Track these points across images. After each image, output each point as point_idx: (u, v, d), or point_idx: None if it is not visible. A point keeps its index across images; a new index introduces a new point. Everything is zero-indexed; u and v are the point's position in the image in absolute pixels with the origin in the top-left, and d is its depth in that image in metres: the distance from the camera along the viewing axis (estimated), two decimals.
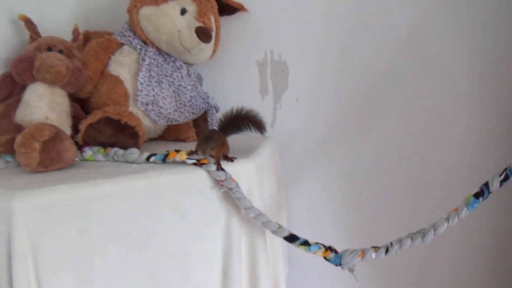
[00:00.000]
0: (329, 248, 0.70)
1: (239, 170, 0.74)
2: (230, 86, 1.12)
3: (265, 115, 1.12)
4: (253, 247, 0.77)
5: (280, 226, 0.72)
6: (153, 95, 0.87)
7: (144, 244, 0.67)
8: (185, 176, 0.70)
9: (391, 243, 0.66)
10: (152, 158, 0.72)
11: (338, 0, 1.02)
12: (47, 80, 0.76)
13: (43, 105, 0.75)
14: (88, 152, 0.75)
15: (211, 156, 0.72)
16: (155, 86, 0.88)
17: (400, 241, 0.65)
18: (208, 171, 0.71)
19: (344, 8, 1.02)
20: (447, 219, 0.61)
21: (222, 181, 0.70)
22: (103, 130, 0.75)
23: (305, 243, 0.71)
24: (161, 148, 0.75)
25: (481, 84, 0.95)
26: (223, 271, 0.74)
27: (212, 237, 0.73)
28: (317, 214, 1.14)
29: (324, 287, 1.20)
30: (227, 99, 1.12)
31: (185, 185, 0.70)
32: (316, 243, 0.71)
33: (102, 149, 0.75)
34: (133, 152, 0.73)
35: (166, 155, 0.71)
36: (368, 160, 1.06)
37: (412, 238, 0.64)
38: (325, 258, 0.70)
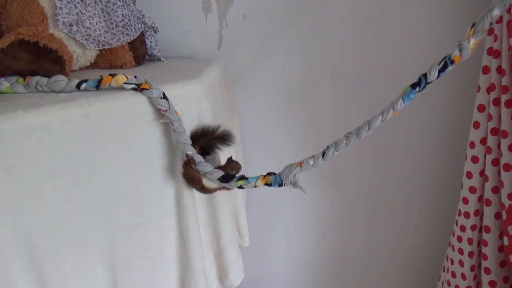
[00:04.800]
0: (267, 174, 0.67)
1: (186, 93, 0.68)
2: (168, 4, 1.00)
3: (211, 36, 1.03)
4: None
5: (215, 168, 0.67)
6: (77, 14, 0.75)
7: (87, 180, 0.60)
8: (124, 103, 0.62)
9: (327, 146, 0.62)
10: (84, 85, 0.63)
11: None
12: None
13: None
14: (4, 83, 0.63)
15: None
16: (78, 2, 0.75)
17: (335, 142, 0.61)
18: (149, 98, 0.63)
19: None
20: (382, 113, 0.57)
21: (164, 111, 0.63)
22: (19, 56, 0.64)
23: (242, 178, 0.67)
24: (95, 76, 0.65)
25: None
26: (176, 201, 0.71)
27: (162, 167, 0.68)
28: (272, 137, 1.12)
29: (281, 214, 1.23)
30: (166, 19, 1.00)
31: (125, 113, 0.62)
32: (256, 176, 0.67)
33: (21, 79, 0.64)
34: (60, 80, 0.63)
35: (100, 81, 0.62)
36: (323, 75, 1.03)
37: (347, 137, 0.60)
38: (266, 184, 0.66)
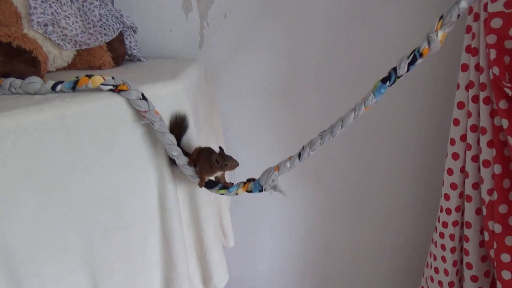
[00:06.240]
0: (247, 180, 0.67)
1: (166, 94, 0.67)
2: (148, 4, 0.99)
3: (192, 36, 1.02)
4: None
5: (197, 172, 0.67)
6: (52, 13, 0.73)
7: (64, 183, 0.59)
8: (102, 104, 0.60)
9: (303, 147, 0.62)
10: (59, 87, 0.61)
11: None
12: None
13: None
14: None
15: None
16: (53, 2, 0.74)
17: (310, 142, 0.61)
18: (128, 99, 0.62)
19: None
20: (354, 109, 0.57)
21: (144, 112, 0.62)
22: None
23: (224, 187, 0.68)
24: (72, 77, 0.64)
25: None
26: (160, 203, 0.69)
27: (143, 169, 0.67)
28: (255, 136, 1.12)
29: (265, 215, 1.22)
30: (145, 19, 0.99)
31: (103, 115, 0.61)
32: (237, 183, 0.68)
33: None
34: (34, 81, 0.61)
35: (76, 82, 0.61)
36: (306, 72, 1.03)
37: (321, 136, 0.60)
38: (247, 191, 0.67)
